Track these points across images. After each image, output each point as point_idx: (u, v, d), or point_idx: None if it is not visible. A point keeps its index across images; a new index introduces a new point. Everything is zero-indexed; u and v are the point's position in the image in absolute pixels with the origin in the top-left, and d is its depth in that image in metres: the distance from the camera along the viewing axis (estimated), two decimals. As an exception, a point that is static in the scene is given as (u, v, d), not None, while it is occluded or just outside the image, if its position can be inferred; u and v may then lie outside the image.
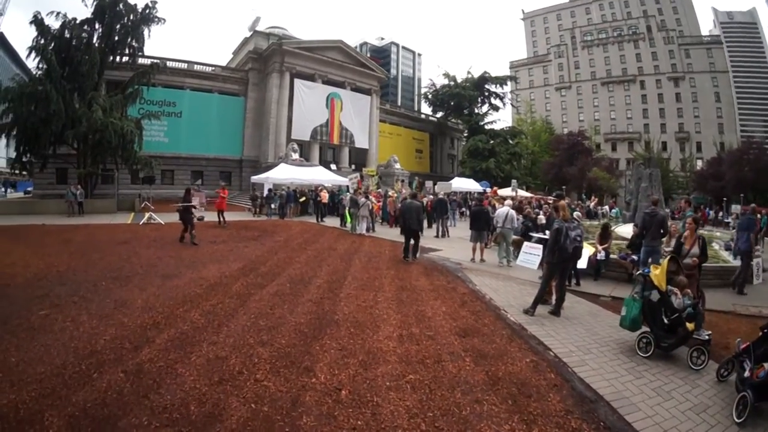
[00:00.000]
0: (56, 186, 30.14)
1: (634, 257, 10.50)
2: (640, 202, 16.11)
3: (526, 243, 12.62)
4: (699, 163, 63.75)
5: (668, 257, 6.48)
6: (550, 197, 33.50)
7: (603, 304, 8.75)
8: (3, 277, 8.68)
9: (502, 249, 12.41)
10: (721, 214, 37.73)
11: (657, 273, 6.02)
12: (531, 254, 12.18)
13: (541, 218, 14.05)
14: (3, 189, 43.72)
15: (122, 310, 6.80)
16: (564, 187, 49.93)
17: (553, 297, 8.04)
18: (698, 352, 5.64)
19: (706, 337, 5.72)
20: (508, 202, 14.36)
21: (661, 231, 9.28)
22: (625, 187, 60.47)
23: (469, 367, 5.22)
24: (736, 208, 34.67)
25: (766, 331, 4.82)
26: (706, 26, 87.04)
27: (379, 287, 9.10)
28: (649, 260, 9.06)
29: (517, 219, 12.89)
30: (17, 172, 31.89)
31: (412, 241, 12.61)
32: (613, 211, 32.41)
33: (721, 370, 5.30)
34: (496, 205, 17.57)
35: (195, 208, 14.90)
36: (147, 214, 19.68)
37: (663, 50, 75.63)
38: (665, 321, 5.86)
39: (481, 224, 12.94)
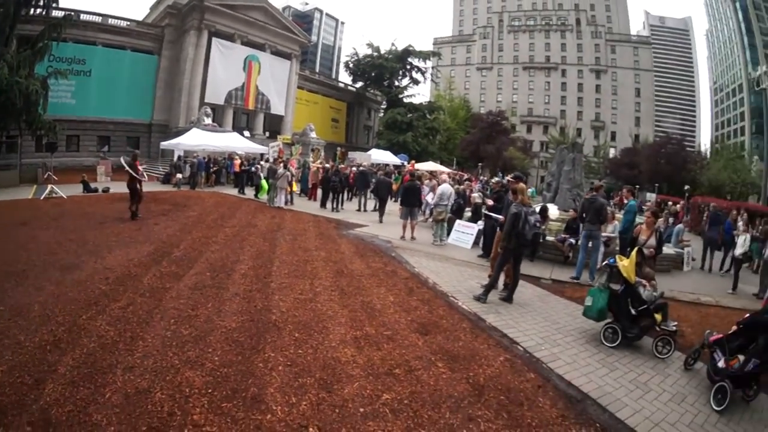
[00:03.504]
0: None
1: (572, 240, 10.63)
2: (561, 184, 16.37)
3: (458, 221, 12.67)
4: (612, 151, 68.01)
5: (636, 249, 6.47)
6: (464, 174, 33.91)
7: (546, 287, 8.67)
8: None
9: (439, 227, 12.04)
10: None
11: (625, 264, 6.00)
12: (464, 233, 12.25)
13: (474, 196, 13.90)
14: None
15: (18, 322, 5.25)
16: (480, 164, 51.32)
17: (502, 281, 7.79)
18: (664, 341, 5.72)
19: (673, 328, 5.81)
20: (444, 177, 13.91)
21: (600, 217, 9.25)
22: (537, 167, 63.82)
23: (447, 375, 4.55)
24: (650, 197, 37.54)
25: (741, 326, 5.04)
26: (636, 27, 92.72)
27: (313, 273, 8.14)
28: (589, 244, 9.29)
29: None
30: None
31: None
32: (529, 189, 33.53)
33: (688, 360, 5.44)
34: (425, 180, 17.07)
35: (143, 178, 13.35)
36: (49, 187, 17.28)
37: (589, 43, 79.14)
38: (633, 312, 5.85)
39: (413, 200, 12.45)
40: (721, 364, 4.80)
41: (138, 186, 12.95)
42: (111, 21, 35.33)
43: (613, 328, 5.90)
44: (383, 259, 9.71)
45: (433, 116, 57.64)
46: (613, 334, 5.87)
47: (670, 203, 24.17)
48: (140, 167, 16.48)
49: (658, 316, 5.78)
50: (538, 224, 7.27)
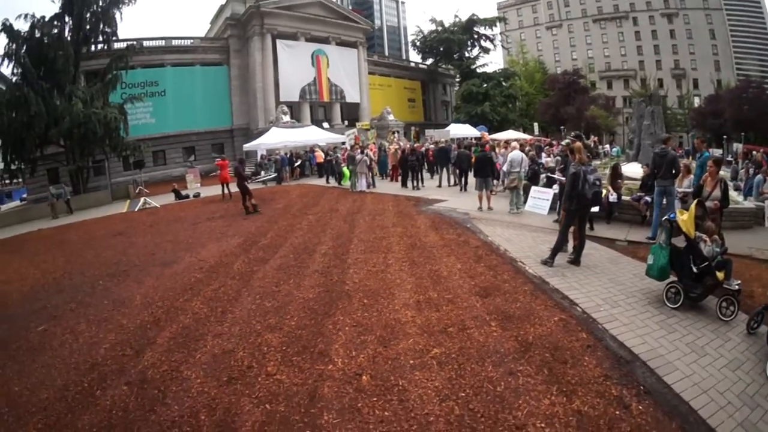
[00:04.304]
0: (49, 187, 29.63)
1: (648, 198, 10.10)
2: (643, 140, 15.56)
3: (534, 187, 12.28)
4: (697, 101, 62.52)
5: (695, 201, 6.00)
6: (544, 139, 32.90)
7: (620, 249, 8.40)
8: (0, 296, 8.32)
9: (515, 195, 11.94)
10: (721, 152, 37.43)
11: (684, 218, 5.58)
12: (540, 199, 11.87)
13: (547, 161, 13.59)
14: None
15: (121, 310, 6.44)
16: (562, 127, 49.26)
17: (571, 244, 7.62)
18: (727, 302, 5.32)
19: (737, 287, 5.36)
20: (514, 144, 13.73)
21: (673, 171, 8.76)
22: (623, 124, 60.03)
23: (497, 333, 4.86)
24: (737, 147, 34.31)
25: None
26: None
27: (387, 248, 8.68)
28: (663, 201, 8.77)
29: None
30: (8, 181, 31.32)
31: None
32: (613, 149, 32.05)
33: (751, 323, 5.01)
34: (498, 150, 16.94)
35: (249, 178, 15.40)
36: (142, 200, 19.42)
37: None
38: (694, 270, 5.51)
39: (487, 171, 12.41)
40: (780, 327, 4.34)
41: (246, 185, 14.58)
42: (175, 42, 37.77)
43: (676, 287, 5.62)
44: (457, 231, 9.92)
45: (509, 83, 55.70)
46: (676, 294, 5.60)
47: (754, 152, 21.75)
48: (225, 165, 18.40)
49: (720, 275, 5.34)
50: (598, 182, 6.99)
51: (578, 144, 7.67)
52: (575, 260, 7.31)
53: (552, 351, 4.44)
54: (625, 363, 4.26)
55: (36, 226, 17.96)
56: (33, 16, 25.08)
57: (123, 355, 4.99)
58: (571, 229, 7.49)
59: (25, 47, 24.62)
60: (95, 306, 6.83)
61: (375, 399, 3.74)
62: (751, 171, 14.79)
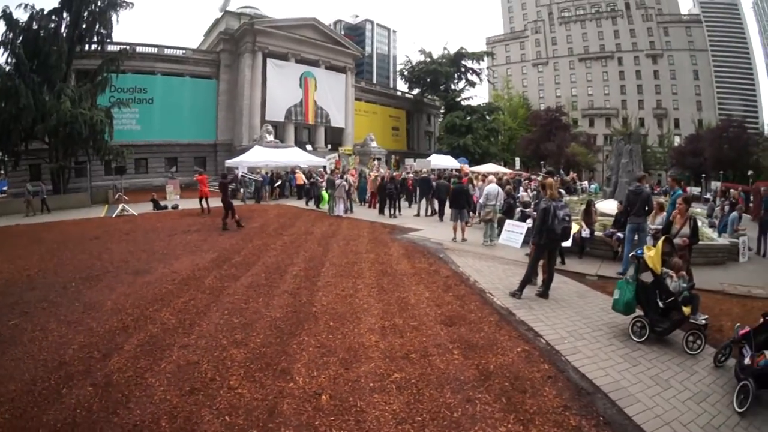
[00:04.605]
0: (26, 184, 29.15)
1: (620, 235, 10.29)
2: (620, 177, 15.95)
3: (508, 221, 12.41)
4: (677, 140, 64.65)
5: (663, 238, 6.20)
6: (524, 173, 33.62)
7: (590, 283, 8.56)
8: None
9: (489, 227, 12.08)
10: (699, 190, 38.61)
11: (651, 255, 5.73)
12: (514, 232, 11.94)
13: (523, 195, 13.85)
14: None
15: (91, 314, 6.47)
16: (542, 162, 50.33)
17: (540, 277, 7.72)
18: (694, 336, 5.44)
19: (703, 321, 5.52)
20: (491, 178, 13.99)
21: (646, 208, 9.01)
22: (603, 162, 61.66)
23: (458, 361, 4.91)
24: (715, 185, 35.42)
25: (767, 317, 4.68)
26: (685, 5, 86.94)
27: (358, 273, 8.77)
28: (635, 238, 8.95)
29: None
30: None
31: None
32: (591, 186, 32.77)
33: (719, 356, 5.11)
34: (475, 182, 17.24)
35: (231, 184, 15.33)
36: (120, 206, 19.20)
37: (641, 27, 75.98)
38: (660, 305, 5.64)
39: (462, 202, 12.63)
40: (746, 360, 4.45)
41: (230, 200, 14.58)
42: (167, 51, 37.92)
43: (642, 322, 5.74)
44: (429, 260, 10.03)
45: (493, 117, 56.84)
46: (642, 328, 5.72)
47: (732, 190, 22.55)
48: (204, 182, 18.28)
49: (686, 309, 5.47)
50: (567, 218, 7.20)
51: (550, 180, 7.85)
52: (543, 293, 7.41)
53: (512, 380, 4.48)
54: (585, 394, 4.29)
55: (13, 221, 17.84)
56: (33, 7, 25.17)
57: (90, 357, 5.05)
58: (541, 262, 7.61)
59: (21, 38, 24.63)
60: (66, 307, 6.86)
61: (333, 418, 3.77)
62: (727, 209, 15.18)
